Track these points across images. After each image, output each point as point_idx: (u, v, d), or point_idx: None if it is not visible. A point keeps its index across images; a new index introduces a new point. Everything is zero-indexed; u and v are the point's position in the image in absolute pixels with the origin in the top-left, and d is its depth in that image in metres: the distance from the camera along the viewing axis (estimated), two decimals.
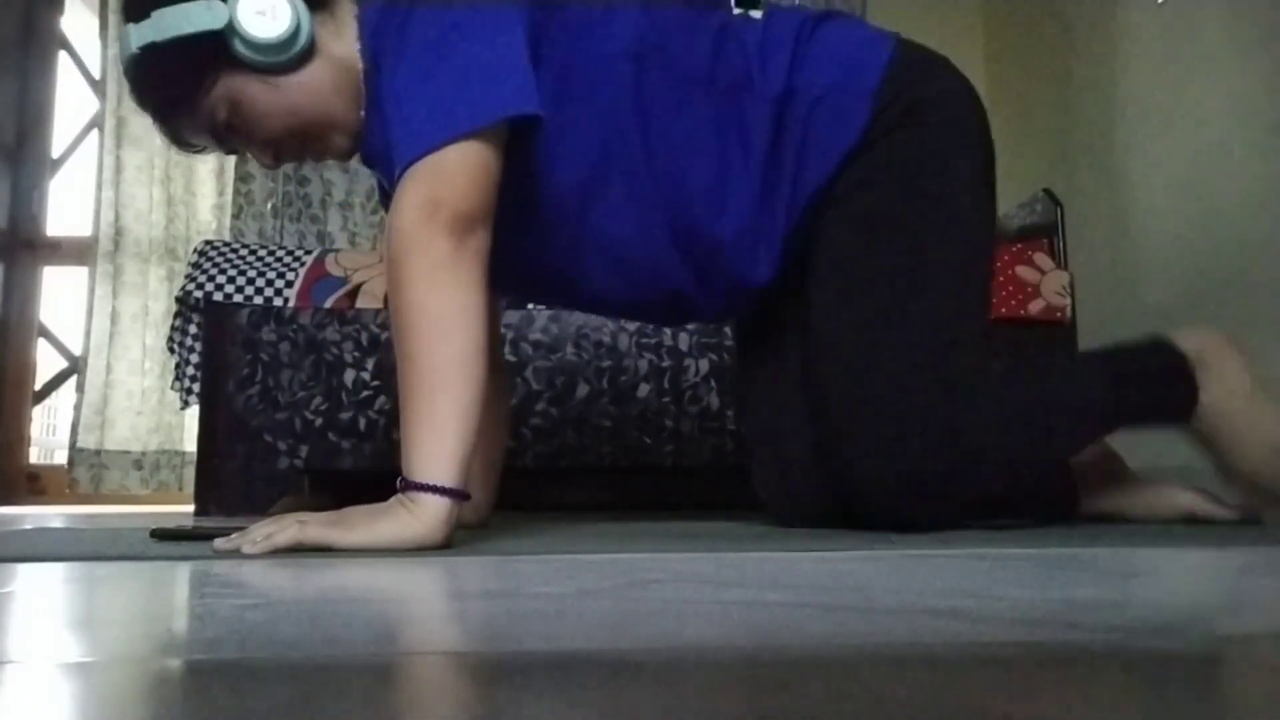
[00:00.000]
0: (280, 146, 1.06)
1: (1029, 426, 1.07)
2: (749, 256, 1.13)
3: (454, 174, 0.90)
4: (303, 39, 0.99)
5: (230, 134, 1.04)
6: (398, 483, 0.87)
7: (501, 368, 1.33)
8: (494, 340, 1.24)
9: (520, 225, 1.05)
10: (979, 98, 1.18)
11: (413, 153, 0.91)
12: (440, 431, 0.86)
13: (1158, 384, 1.10)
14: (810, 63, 1.10)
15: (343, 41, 1.03)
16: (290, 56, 0.99)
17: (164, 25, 0.95)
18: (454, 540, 0.88)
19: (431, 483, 0.85)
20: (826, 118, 1.10)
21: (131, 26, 0.97)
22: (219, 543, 0.83)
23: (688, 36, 1.08)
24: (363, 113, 1.05)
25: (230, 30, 0.96)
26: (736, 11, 1.13)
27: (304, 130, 1.04)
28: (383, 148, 1.03)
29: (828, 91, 1.10)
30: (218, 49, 0.97)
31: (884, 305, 1.08)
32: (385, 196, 1.24)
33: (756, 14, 1.13)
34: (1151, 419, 1.12)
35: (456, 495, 0.86)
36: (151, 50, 0.97)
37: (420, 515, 0.84)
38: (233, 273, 1.97)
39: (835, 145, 1.10)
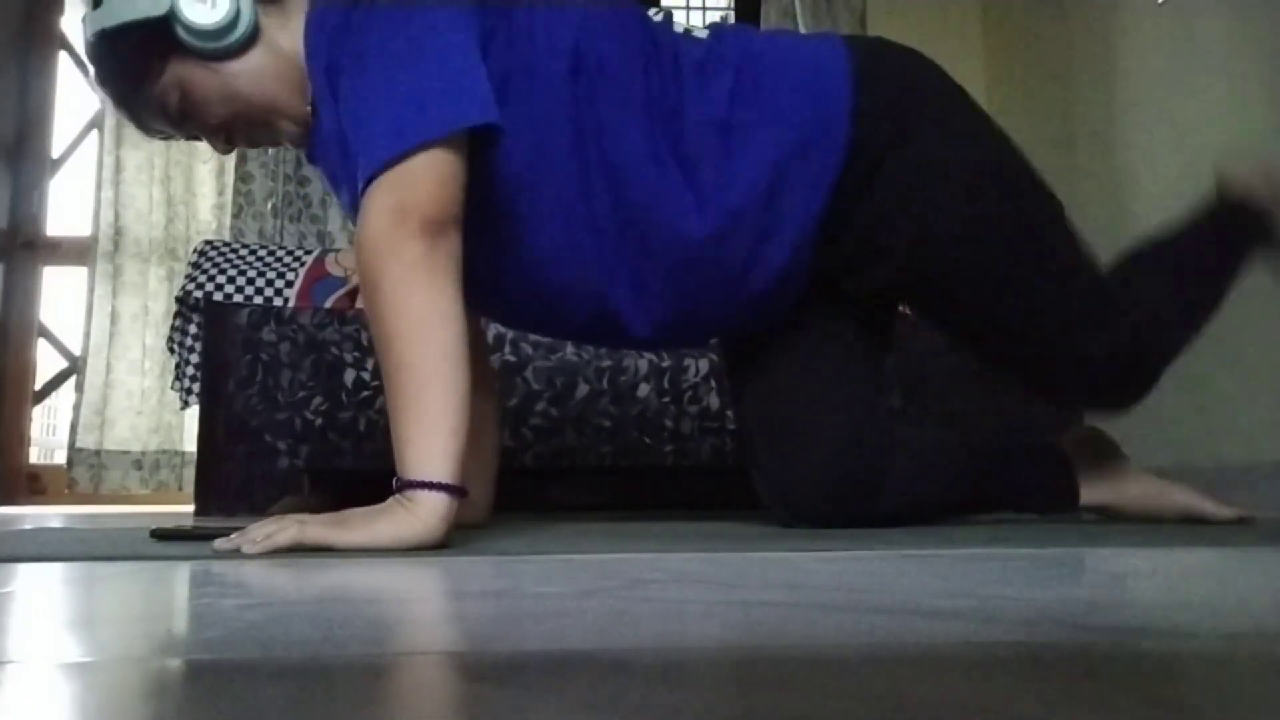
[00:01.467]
0: (230, 131, 1.09)
1: (1181, 286, 1.23)
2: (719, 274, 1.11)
3: (420, 180, 0.90)
4: (242, 26, 1.01)
5: (185, 119, 1.07)
6: (393, 483, 0.87)
7: (488, 368, 1.33)
8: (478, 341, 1.23)
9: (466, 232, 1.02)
10: (928, 59, 1.16)
11: (377, 163, 0.90)
12: (431, 428, 0.86)
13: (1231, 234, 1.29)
14: (763, 90, 1.08)
15: (288, 33, 1.04)
16: (230, 43, 1.02)
17: (112, 12, 0.99)
18: (453, 540, 0.88)
19: (427, 479, 0.85)
20: (802, 153, 1.07)
21: (89, 13, 1.01)
22: (219, 543, 0.83)
23: (623, 56, 1.05)
24: (308, 107, 1.05)
25: (172, 16, 0.99)
26: (678, 29, 1.11)
27: (248, 116, 1.07)
28: (337, 153, 1.02)
29: (794, 126, 1.07)
30: (163, 35, 1.01)
31: (1022, 291, 1.14)
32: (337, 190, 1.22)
33: (701, 33, 1.11)
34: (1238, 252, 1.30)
35: (454, 491, 0.86)
36: (103, 36, 1.00)
37: (419, 513, 0.84)
38: (233, 273, 1.97)
39: (820, 180, 1.08)
